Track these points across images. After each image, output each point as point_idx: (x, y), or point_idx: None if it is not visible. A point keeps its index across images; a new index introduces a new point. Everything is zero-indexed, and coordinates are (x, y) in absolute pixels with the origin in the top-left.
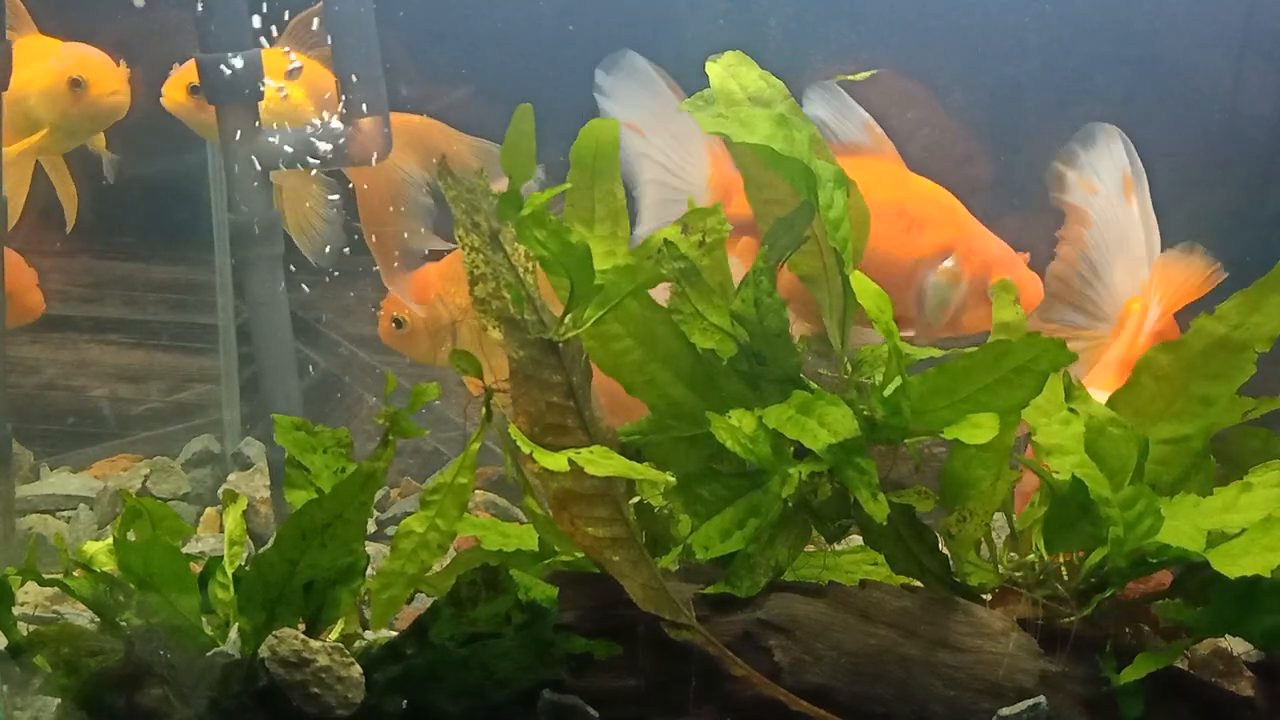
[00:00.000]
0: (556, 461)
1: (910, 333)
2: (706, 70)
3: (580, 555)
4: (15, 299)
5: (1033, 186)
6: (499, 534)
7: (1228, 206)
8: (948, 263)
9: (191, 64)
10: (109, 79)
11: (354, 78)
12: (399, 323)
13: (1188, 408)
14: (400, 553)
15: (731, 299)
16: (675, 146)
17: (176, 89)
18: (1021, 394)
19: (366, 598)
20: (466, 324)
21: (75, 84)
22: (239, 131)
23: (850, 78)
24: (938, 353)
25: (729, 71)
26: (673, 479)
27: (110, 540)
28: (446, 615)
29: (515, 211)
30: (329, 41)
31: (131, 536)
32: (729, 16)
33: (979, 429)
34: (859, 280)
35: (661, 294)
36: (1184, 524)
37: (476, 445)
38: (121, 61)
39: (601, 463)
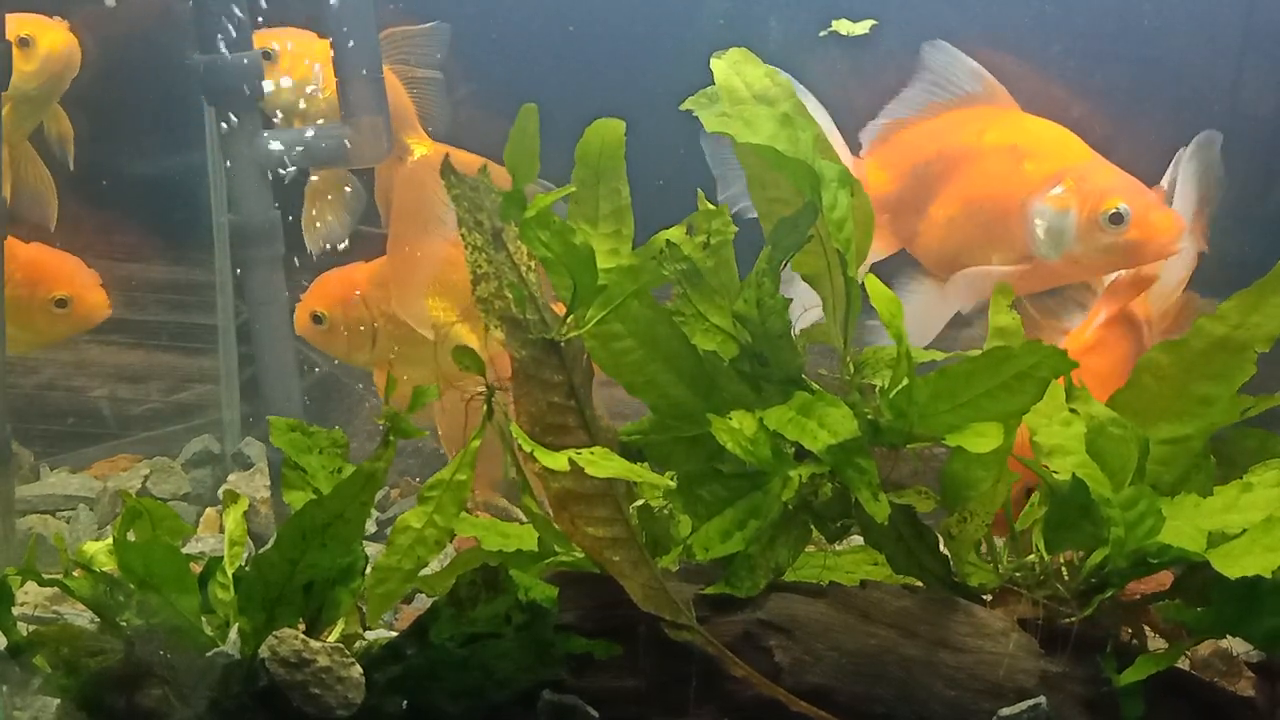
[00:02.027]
0: (558, 461)
1: (1023, 268)
2: (711, 67)
3: (580, 555)
4: (79, 301)
5: None
6: (499, 534)
7: (1228, 206)
8: (1056, 190)
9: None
10: (53, 31)
11: (355, 77)
12: (318, 318)
13: (1188, 408)
14: (397, 548)
15: (735, 299)
16: None
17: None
18: (1023, 400)
19: (365, 597)
20: (386, 328)
21: (23, 43)
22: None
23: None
24: (940, 355)
25: (734, 69)
26: (671, 482)
27: (110, 540)
28: (446, 615)
29: (519, 211)
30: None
31: (131, 537)
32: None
33: (983, 437)
34: (872, 283)
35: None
36: (1185, 524)
37: (477, 443)
38: (58, 16)
39: (602, 464)
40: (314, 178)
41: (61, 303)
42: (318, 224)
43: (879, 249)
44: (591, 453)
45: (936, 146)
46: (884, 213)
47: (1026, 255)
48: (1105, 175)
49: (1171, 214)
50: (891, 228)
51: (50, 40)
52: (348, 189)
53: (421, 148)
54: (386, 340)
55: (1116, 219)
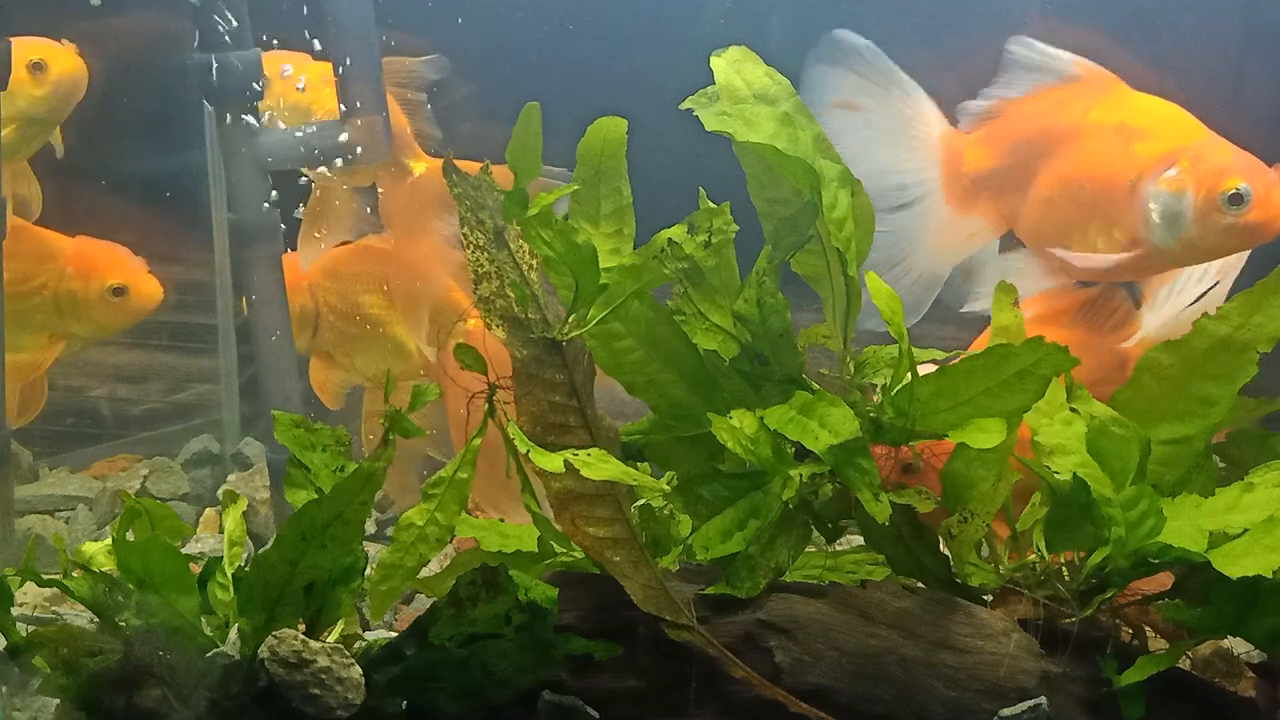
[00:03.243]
0: (553, 463)
1: (1136, 254)
2: (711, 65)
3: (580, 555)
4: (135, 288)
5: None
6: (498, 535)
7: None
8: (1171, 171)
9: None
10: (64, 57)
11: (353, 76)
12: None
13: (1189, 408)
14: (400, 545)
15: (735, 299)
16: (900, 112)
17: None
18: (1024, 398)
19: (367, 594)
20: (328, 319)
21: (36, 68)
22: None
23: None
24: (940, 354)
25: (734, 67)
26: (668, 485)
27: (109, 540)
28: (446, 616)
29: (521, 210)
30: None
31: (130, 537)
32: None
33: (986, 433)
34: (873, 281)
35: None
36: (1186, 524)
37: (478, 441)
38: (64, 40)
39: (599, 466)
40: (317, 193)
41: (118, 291)
42: (316, 237)
43: (989, 230)
44: (589, 454)
45: (1039, 124)
46: (985, 190)
47: (1134, 238)
48: (1222, 154)
49: None
50: (994, 206)
51: (61, 66)
52: (351, 204)
53: (419, 166)
54: (327, 330)
55: (1236, 200)
